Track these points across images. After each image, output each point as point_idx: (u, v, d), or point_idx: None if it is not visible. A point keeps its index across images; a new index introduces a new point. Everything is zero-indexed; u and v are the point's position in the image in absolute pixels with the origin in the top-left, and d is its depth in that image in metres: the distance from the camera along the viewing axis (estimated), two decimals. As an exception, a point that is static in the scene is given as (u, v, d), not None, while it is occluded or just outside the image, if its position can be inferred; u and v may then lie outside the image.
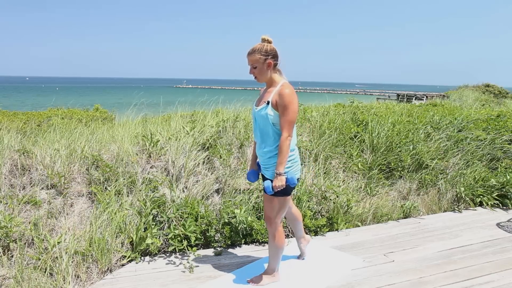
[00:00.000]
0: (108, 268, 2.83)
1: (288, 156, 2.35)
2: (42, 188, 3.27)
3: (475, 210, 4.34)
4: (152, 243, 3.02)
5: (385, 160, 4.59)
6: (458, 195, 4.41)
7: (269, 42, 2.41)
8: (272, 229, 2.54)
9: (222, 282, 2.71)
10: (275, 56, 2.40)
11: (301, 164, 4.19)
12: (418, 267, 2.97)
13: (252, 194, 3.67)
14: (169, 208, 3.30)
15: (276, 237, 2.54)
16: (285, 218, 2.87)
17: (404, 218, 4.08)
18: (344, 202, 3.82)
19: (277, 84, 2.40)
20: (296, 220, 2.90)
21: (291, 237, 3.54)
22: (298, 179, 2.49)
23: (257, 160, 2.66)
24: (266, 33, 2.42)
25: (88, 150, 3.72)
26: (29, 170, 3.41)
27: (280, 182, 2.34)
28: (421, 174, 4.55)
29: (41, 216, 3.02)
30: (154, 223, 3.17)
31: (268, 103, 2.37)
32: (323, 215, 3.76)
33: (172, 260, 3.03)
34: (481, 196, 4.43)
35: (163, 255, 3.11)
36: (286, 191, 2.44)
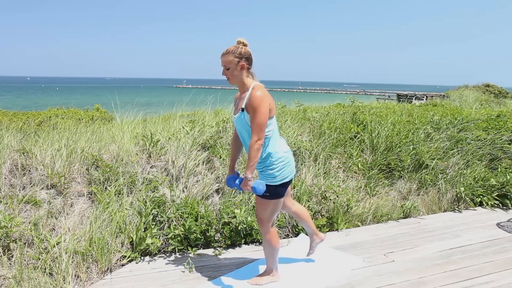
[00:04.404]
0: (108, 268, 2.83)
1: (258, 160, 2.29)
2: (42, 188, 3.27)
3: (475, 210, 4.34)
4: (152, 243, 3.02)
5: (385, 160, 4.59)
6: (458, 195, 4.41)
7: (245, 45, 2.37)
8: (264, 230, 2.54)
9: (222, 282, 2.71)
10: (248, 59, 2.35)
11: (302, 164, 4.19)
12: (418, 267, 2.97)
13: (252, 194, 3.67)
14: (169, 208, 3.30)
15: (268, 238, 2.54)
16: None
17: (404, 218, 4.08)
18: (344, 202, 3.82)
19: (249, 88, 2.35)
20: (301, 219, 2.88)
21: (291, 237, 3.54)
22: (290, 181, 2.47)
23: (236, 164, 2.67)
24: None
25: (88, 150, 3.72)
26: (29, 170, 3.41)
27: (245, 186, 2.32)
28: (421, 174, 4.55)
29: (41, 216, 3.02)
30: (154, 223, 3.18)
31: (243, 109, 2.33)
32: (323, 215, 3.76)
33: (172, 260, 3.03)
34: (481, 196, 4.43)
35: (163, 255, 3.11)
36: (278, 193, 2.43)
